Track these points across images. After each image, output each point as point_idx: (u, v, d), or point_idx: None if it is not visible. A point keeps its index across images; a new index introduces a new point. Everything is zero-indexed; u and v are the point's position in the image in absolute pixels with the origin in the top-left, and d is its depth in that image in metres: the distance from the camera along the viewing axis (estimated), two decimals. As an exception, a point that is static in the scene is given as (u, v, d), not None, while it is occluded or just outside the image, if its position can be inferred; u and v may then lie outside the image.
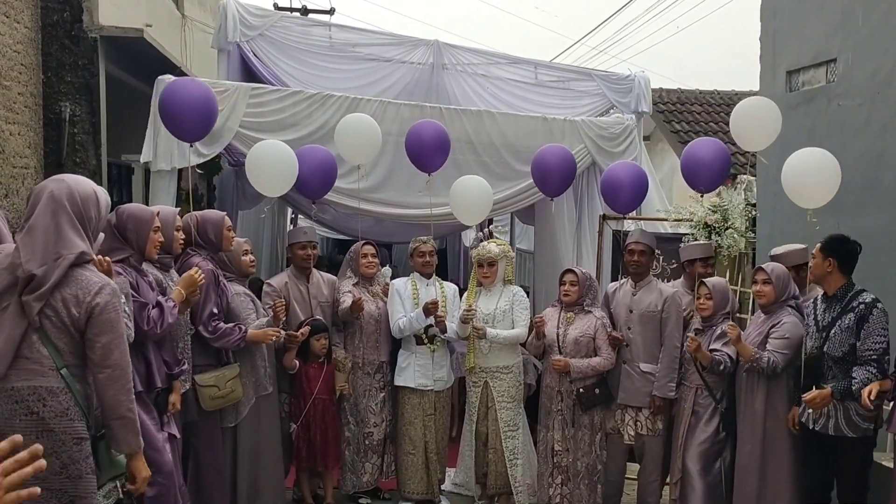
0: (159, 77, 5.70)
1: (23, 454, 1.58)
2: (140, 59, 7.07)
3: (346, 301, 5.49)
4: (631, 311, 5.25)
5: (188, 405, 4.40)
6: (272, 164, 5.20)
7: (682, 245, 5.90)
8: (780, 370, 4.61)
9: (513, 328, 5.50)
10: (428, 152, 5.66)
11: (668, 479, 5.18)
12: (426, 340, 5.57)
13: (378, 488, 5.79)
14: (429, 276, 5.73)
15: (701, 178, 5.44)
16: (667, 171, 13.29)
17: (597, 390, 5.23)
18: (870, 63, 5.94)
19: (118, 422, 2.98)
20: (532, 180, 6.32)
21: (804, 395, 4.26)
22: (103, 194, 3.13)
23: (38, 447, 1.61)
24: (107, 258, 3.62)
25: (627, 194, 5.78)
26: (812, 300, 4.66)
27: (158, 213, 4.12)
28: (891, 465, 4.35)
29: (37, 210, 2.93)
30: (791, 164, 4.70)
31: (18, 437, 1.62)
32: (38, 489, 1.61)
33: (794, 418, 4.60)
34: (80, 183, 3.06)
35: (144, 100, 5.93)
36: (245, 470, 5.02)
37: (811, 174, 4.65)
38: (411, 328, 5.50)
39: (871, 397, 3.96)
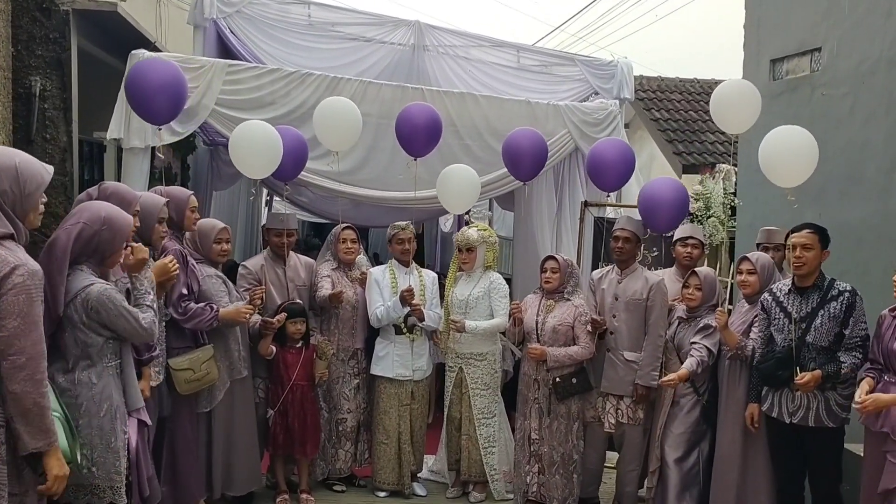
0: (133, 52, 5.55)
1: None
2: (113, 34, 6.88)
3: (325, 287, 5.39)
4: (616, 299, 5.19)
5: (162, 398, 4.29)
6: (257, 145, 5.00)
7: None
8: None
9: (492, 316, 5.44)
10: (420, 136, 5.53)
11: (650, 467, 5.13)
12: (405, 330, 5.49)
13: (353, 475, 5.72)
14: (407, 264, 5.64)
15: (660, 219, 5.29)
16: (645, 160, 13.27)
17: (574, 380, 5.17)
18: (855, 53, 5.91)
19: (21, 417, 2.72)
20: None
21: (797, 379, 4.22)
22: (33, 170, 2.86)
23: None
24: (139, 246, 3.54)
25: (614, 171, 5.67)
26: (767, 293, 4.60)
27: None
28: (861, 453, 4.34)
29: None
30: (767, 142, 4.60)
31: None
32: None
33: (753, 416, 4.59)
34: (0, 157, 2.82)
35: (117, 76, 5.75)
36: (220, 455, 4.94)
37: (787, 152, 4.53)
38: (389, 317, 5.41)
39: (863, 399, 3.94)
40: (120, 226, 3.42)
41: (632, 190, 7.46)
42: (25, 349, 2.69)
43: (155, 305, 3.62)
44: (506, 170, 6.23)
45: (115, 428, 3.39)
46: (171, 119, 5.09)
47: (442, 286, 5.81)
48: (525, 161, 5.76)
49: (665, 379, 4.75)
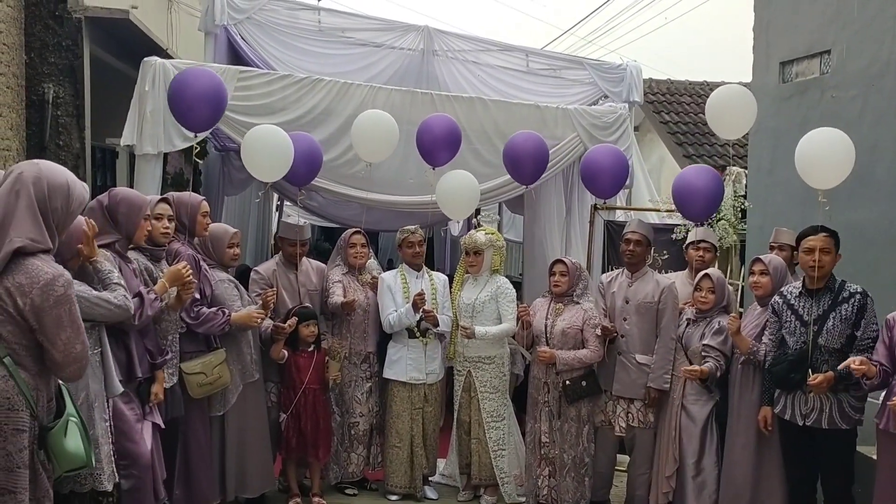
0: (145, 59, 5.59)
1: None
2: (125, 40, 6.96)
3: (336, 293, 5.41)
4: (627, 302, 5.19)
5: (175, 399, 4.32)
6: (268, 149, 5.06)
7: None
8: None
9: (499, 321, 5.45)
10: (439, 146, 5.56)
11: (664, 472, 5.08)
12: (418, 334, 5.50)
13: (365, 479, 5.74)
14: (418, 268, 5.65)
15: (694, 207, 5.22)
16: (655, 162, 13.27)
17: (584, 383, 5.17)
18: (864, 55, 5.89)
19: None
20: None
21: (809, 381, 4.21)
22: (79, 189, 2.94)
23: None
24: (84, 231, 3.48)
25: (607, 178, 5.67)
26: (778, 296, 4.59)
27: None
28: (875, 456, 4.33)
29: (0, 189, 2.81)
30: (805, 144, 4.55)
31: None
32: None
33: (766, 419, 4.59)
34: (54, 172, 2.88)
35: (129, 83, 5.82)
36: (233, 458, 4.98)
37: (824, 153, 4.50)
38: (401, 323, 5.42)
39: (857, 365, 3.91)
40: (73, 228, 3.41)
41: (641, 193, 7.48)
42: (83, 354, 2.87)
43: (122, 281, 3.59)
44: (515, 174, 6.24)
45: (94, 416, 3.43)
46: (210, 127, 5.18)
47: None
48: (526, 164, 5.76)
49: (688, 368, 4.75)
